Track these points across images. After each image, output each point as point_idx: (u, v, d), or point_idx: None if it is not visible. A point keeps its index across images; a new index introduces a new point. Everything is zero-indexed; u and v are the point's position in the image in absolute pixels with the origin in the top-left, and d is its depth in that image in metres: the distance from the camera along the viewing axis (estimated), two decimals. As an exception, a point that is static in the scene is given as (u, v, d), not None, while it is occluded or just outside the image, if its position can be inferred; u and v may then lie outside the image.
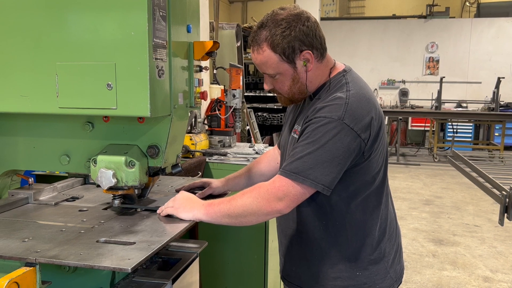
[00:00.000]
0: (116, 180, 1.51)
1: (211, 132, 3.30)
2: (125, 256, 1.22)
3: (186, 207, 1.52)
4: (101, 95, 1.40)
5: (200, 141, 3.04)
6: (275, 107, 8.56)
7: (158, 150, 1.56)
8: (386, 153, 1.58)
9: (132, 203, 1.68)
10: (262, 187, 1.44)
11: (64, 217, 1.57)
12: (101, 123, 1.59)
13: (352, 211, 1.52)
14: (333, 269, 1.55)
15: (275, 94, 1.60)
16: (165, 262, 1.72)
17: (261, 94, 8.65)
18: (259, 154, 3.11)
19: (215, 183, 1.85)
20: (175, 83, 1.52)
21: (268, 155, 1.92)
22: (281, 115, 8.50)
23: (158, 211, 1.58)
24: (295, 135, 1.54)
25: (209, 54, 1.65)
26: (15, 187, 1.85)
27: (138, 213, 1.63)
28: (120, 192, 1.56)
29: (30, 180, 1.82)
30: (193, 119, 3.11)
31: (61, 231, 1.42)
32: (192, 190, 1.83)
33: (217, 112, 3.27)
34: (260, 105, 8.54)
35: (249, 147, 3.33)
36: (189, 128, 3.11)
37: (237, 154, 3.07)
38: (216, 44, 1.64)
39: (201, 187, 1.85)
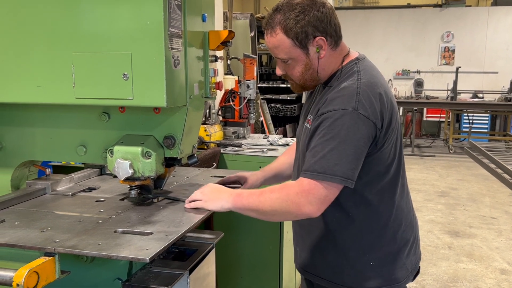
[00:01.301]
0: (132, 171, 1.51)
1: (225, 123, 3.29)
2: (143, 246, 1.22)
3: (214, 198, 1.52)
4: (117, 86, 1.39)
5: (214, 132, 3.04)
6: (288, 98, 8.49)
7: (174, 141, 1.55)
8: (401, 144, 1.55)
9: (149, 193, 1.68)
10: (291, 189, 1.41)
11: (81, 207, 1.58)
12: (117, 114, 1.59)
13: (365, 202, 1.50)
14: (347, 259, 1.54)
15: (288, 80, 1.59)
16: (182, 252, 1.72)
17: (274, 85, 8.59)
18: (273, 145, 3.10)
19: (252, 178, 1.82)
20: (190, 73, 1.51)
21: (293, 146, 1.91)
22: (295, 106, 8.44)
23: (186, 202, 1.57)
24: (307, 125, 1.52)
25: (225, 43, 1.63)
26: (33, 177, 1.86)
27: (155, 204, 1.63)
28: (136, 183, 1.56)
29: (47, 171, 1.83)
30: (207, 110, 3.10)
31: (79, 222, 1.42)
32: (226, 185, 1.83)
33: (231, 103, 3.25)
34: (273, 96, 8.48)
35: (264, 138, 3.32)
36: (203, 119, 3.10)
37: (252, 145, 3.06)
38: (231, 33, 1.63)
39: (236, 182, 1.83)
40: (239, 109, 3.25)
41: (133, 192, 1.60)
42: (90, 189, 1.81)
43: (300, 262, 1.70)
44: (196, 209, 1.54)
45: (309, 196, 1.37)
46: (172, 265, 1.56)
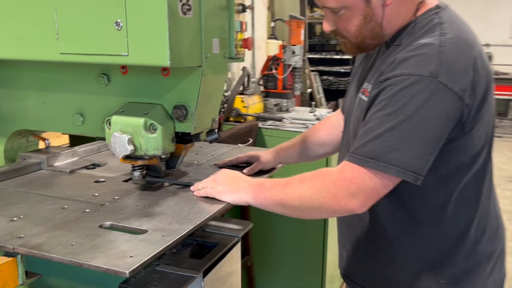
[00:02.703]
0: (133, 148, 1.20)
1: (266, 94, 2.93)
2: (127, 252, 0.91)
3: (230, 187, 1.20)
4: (108, 38, 1.08)
5: (253, 104, 2.69)
6: (342, 70, 8.05)
7: (186, 112, 1.23)
8: (493, 124, 1.14)
9: (159, 175, 1.37)
10: (327, 176, 1.06)
11: (74, 189, 1.30)
12: (118, 76, 1.28)
13: (440, 203, 1.11)
14: (408, 274, 1.17)
15: (338, 39, 1.19)
16: (200, 246, 1.43)
17: (327, 57, 8.16)
18: (320, 120, 2.71)
19: (265, 156, 1.49)
20: (207, 24, 1.16)
21: (330, 121, 1.53)
22: (349, 79, 7.95)
23: (192, 188, 1.27)
24: (363, 97, 1.14)
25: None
26: (32, 149, 1.61)
27: (163, 189, 1.32)
28: (139, 162, 1.26)
29: (46, 142, 1.57)
30: (246, 78, 2.75)
31: (62, 209, 1.14)
32: (236, 166, 1.50)
33: (273, 71, 2.88)
34: (326, 68, 8.03)
35: (310, 112, 2.93)
36: (241, 88, 2.76)
37: (295, 119, 2.69)
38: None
39: (247, 162, 1.51)
40: (283, 79, 2.88)
41: (137, 174, 1.30)
42: (94, 166, 1.53)
43: (345, 268, 1.34)
44: (208, 199, 1.22)
45: (350, 186, 1.02)
46: (185, 264, 1.27)
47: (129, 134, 1.20)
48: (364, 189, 1.00)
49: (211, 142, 1.38)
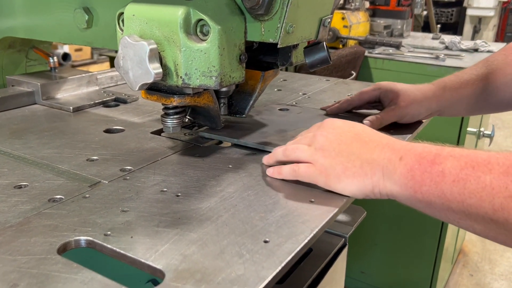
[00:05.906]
0: (160, 70, 0.58)
1: (373, 13, 2.17)
2: None
3: (353, 163, 0.56)
4: None
5: (357, 23, 1.96)
6: (446, 0, 6.97)
7: (270, -3, 0.57)
8: None
9: (215, 126, 0.75)
10: None
11: (62, 146, 0.72)
12: None
13: None
14: None
15: None
16: None
17: (429, -18, 7.03)
18: (451, 50, 1.93)
19: (407, 96, 0.81)
20: None
21: None
22: (453, 11, 6.97)
23: (265, 161, 0.65)
24: None
25: None
26: (37, 70, 1.06)
27: (220, 153, 0.70)
28: (176, 101, 0.64)
29: (50, 60, 1.00)
30: (349, -13, 2.00)
31: (14, 189, 0.57)
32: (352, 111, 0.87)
33: (387, -20, 2.10)
34: (428, -4, 6.98)
35: (433, 38, 2.14)
36: (341, 1, 2.02)
37: (416, 48, 1.93)
38: None
39: (375, 102, 0.84)
40: (399, -10, 2.09)
41: (170, 123, 0.68)
42: (118, 102, 0.95)
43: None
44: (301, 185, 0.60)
45: None
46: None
47: (153, 42, 0.58)
48: None
49: (312, 67, 0.72)
